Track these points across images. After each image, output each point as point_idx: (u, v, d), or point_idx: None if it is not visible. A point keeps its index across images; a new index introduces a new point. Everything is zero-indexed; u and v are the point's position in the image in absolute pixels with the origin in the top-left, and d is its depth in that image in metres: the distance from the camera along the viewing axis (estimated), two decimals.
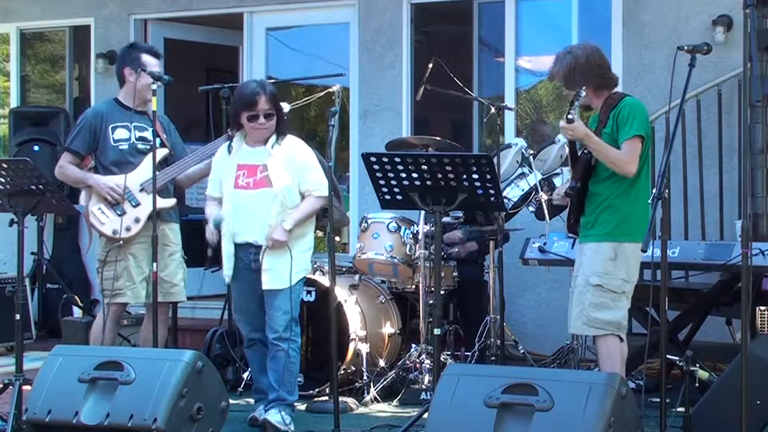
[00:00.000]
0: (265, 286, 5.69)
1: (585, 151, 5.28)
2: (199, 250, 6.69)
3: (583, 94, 5.16)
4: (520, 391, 4.19)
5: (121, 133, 6.09)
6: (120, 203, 5.97)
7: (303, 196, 5.77)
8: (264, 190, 5.71)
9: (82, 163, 6.12)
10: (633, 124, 5.16)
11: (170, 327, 7.06)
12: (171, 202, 6.18)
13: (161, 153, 6.11)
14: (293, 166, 5.75)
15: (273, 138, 5.77)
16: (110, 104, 6.22)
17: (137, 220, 6.00)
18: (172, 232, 6.20)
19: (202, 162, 6.18)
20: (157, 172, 5.93)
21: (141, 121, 6.13)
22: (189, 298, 8.88)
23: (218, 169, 5.90)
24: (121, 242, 5.96)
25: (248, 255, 5.75)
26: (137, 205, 6.01)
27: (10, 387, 5.50)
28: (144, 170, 6.03)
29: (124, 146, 6.09)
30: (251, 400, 6.24)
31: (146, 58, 6.12)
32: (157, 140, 6.05)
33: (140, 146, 6.11)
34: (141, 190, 6.02)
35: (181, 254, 6.24)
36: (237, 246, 5.75)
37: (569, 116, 5.08)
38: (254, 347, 5.94)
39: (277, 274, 5.68)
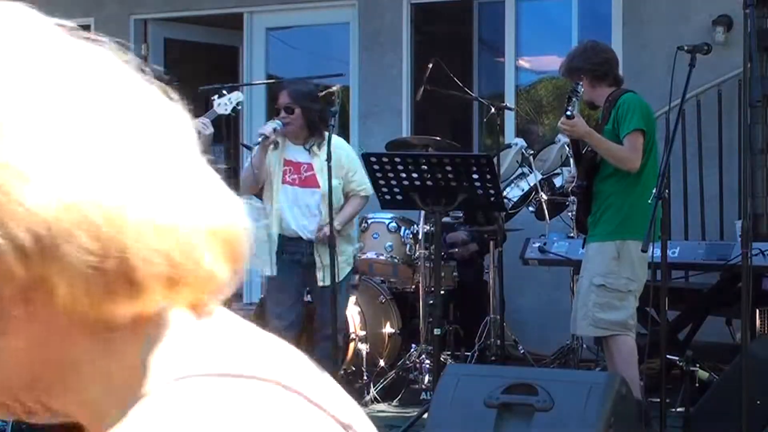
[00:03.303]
0: (321, 284, 5.87)
1: (589, 149, 5.26)
2: None
3: (580, 88, 5.13)
4: (520, 391, 4.19)
5: None
6: None
7: (347, 196, 5.94)
8: (312, 190, 5.90)
9: None
10: (632, 119, 5.13)
11: None
12: None
13: None
14: (339, 167, 5.88)
15: (314, 140, 5.92)
16: None
17: None
18: None
19: None
20: None
21: None
22: None
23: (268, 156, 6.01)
24: None
25: (300, 249, 5.91)
26: None
27: None
28: None
29: None
30: None
31: None
32: None
33: None
34: None
35: None
36: (285, 239, 5.90)
37: (568, 113, 5.05)
38: None
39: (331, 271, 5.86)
